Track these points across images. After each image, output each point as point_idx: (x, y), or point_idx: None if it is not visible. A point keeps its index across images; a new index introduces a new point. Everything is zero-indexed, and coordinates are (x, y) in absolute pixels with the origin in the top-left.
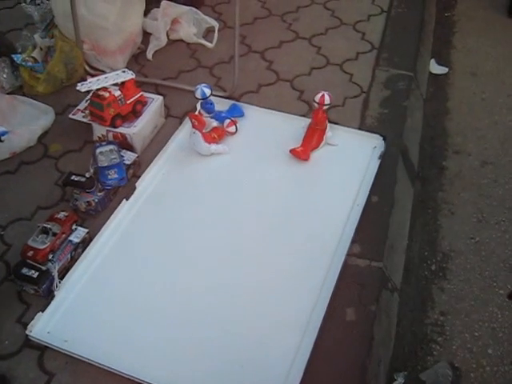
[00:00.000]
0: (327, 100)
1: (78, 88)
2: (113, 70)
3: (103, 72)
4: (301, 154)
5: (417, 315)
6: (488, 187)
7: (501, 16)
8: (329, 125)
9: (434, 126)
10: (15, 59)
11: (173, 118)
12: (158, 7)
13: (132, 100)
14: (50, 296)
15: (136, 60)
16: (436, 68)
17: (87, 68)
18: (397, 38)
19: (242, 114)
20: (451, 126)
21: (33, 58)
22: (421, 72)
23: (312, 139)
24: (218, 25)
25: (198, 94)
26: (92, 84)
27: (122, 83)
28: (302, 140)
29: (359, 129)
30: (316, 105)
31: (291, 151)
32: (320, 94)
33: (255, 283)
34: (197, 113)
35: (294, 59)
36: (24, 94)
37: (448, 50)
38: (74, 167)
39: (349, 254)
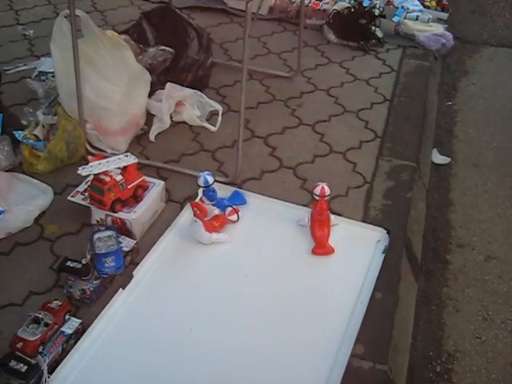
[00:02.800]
0: (327, 191)
1: (79, 172)
2: (114, 150)
3: (104, 152)
4: (323, 249)
5: None
6: (493, 283)
7: (500, 107)
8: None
9: (436, 217)
10: (17, 136)
11: (173, 202)
12: (163, 89)
13: (133, 185)
14: None
15: (138, 141)
16: (438, 158)
17: (89, 148)
18: (400, 127)
19: (244, 202)
20: (454, 218)
21: (34, 135)
22: (423, 162)
23: (321, 231)
24: (221, 109)
25: (201, 182)
26: (93, 168)
27: (124, 167)
28: (309, 234)
29: (362, 221)
30: (317, 197)
31: (314, 252)
32: (319, 187)
33: None
34: (198, 199)
35: (298, 146)
36: (23, 172)
37: (450, 140)
38: (70, 251)
39: (352, 355)
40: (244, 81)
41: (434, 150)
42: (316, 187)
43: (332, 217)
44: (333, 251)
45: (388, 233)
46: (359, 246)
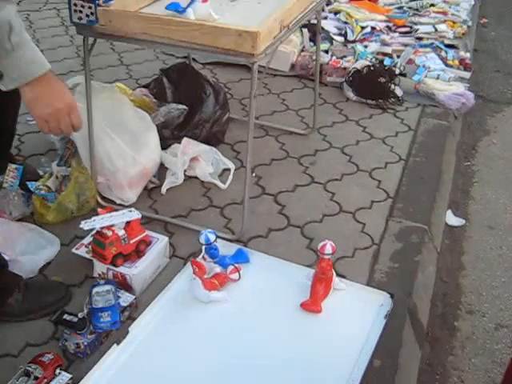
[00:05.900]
0: (328, 250)
1: (81, 226)
2: (123, 201)
3: (114, 203)
4: (312, 306)
5: None
6: (502, 353)
7: None
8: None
9: (447, 281)
10: (30, 186)
11: (178, 258)
12: (179, 143)
13: (136, 240)
14: None
15: (149, 194)
16: (452, 220)
17: (99, 200)
18: (413, 187)
19: (246, 260)
20: (465, 283)
21: (47, 186)
22: (436, 224)
23: (319, 289)
24: (234, 167)
25: (202, 240)
26: (96, 222)
27: (128, 222)
28: (309, 292)
29: (367, 284)
30: (320, 255)
31: (302, 306)
32: (322, 243)
33: None
34: (201, 257)
35: (307, 204)
36: (34, 222)
37: (466, 201)
38: (70, 303)
39: None
40: (250, 141)
41: (449, 211)
42: (321, 242)
43: (336, 279)
44: (319, 311)
45: (391, 297)
46: (360, 310)
